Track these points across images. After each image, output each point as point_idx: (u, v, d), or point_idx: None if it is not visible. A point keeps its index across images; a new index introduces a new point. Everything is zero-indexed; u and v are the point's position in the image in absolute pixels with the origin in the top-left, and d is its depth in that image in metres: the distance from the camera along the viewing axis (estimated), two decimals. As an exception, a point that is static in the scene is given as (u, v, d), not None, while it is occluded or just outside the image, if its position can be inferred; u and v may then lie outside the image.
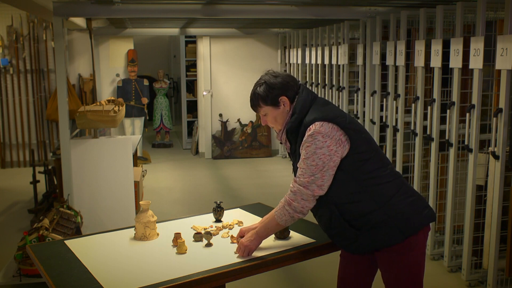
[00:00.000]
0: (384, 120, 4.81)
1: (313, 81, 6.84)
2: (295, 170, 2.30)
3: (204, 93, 8.61)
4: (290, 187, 2.24)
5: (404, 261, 2.25)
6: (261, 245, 2.40)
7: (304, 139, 2.18)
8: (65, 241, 2.52)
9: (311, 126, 2.18)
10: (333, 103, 6.10)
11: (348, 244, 2.29)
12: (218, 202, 2.81)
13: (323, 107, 2.26)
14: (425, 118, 4.18)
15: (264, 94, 2.27)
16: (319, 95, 6.99)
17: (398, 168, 4.49)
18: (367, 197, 2.19)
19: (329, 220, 2.27)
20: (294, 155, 2.30)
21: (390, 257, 2.26)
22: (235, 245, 2.39)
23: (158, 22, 7.33)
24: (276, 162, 8.25)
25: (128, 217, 4.60)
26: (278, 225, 2.27)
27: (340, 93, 5.88)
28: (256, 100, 2.30)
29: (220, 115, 8.66)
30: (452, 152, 3.87)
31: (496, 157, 3.37)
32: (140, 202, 2.57)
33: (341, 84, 5.88)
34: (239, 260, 2.24)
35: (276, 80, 2.28)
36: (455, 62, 3.73)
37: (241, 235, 2.38)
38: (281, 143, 2.42)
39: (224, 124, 8.60)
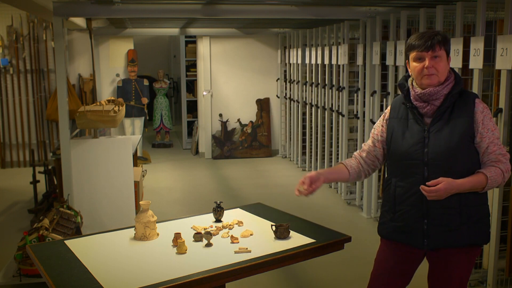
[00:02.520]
0: (384, 120, 4.80)
1: (313, 81, 6.84)
2: (431, 131, 2.23)
3: (204, 93, 8.61)
4: (495, 156, 2.19)
5: (469, 260, 2.30)
6: (261, 245, 2.40)
7: (480, 109, 2.21)
8: (65, 241, 2.52)
9: (480, 100, 2.26)
10: (333, 103, 6.13)
11: (440, 232, 2.23)
12: (218, 202, 2.81)
13: None
14: (425, 118, 4.17)
15: (446, 40, 2.23)
16: (319, 95, 6.94)
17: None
18: None
19: (447, 199, 2.17)
20: (439, 117, 2.22)
21: (460, 257, 2.27)
22: (235, 245, 2.40)
23: (158, 22, 7.34)
24: (276, 162, 8.25)
25: (128, 217, 4.60)
26: (482, 188, 2.19)
27: (340, 93, 5.88)
28: (439, 41, 2.20)
29: (220, 115, 8.66)
30: (452, 152, 3.86)
31: (496, 157, 3.36)
32: (140, 202, 2.57)
33: (341, 84, 5.88)
34: (239, 260, 2.23)
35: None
36: (455, 62, 3.73)
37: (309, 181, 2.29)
38: (407, 101, 2.31)
39: (224, 124, 8.61)
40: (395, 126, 2.34)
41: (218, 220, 2.77)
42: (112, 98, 6.16)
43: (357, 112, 5.44)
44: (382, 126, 2.42)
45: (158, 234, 2.55)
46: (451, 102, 2.22)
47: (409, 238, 2.30)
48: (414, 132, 2.26)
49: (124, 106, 5.35)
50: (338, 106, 5.99)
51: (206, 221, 2.76)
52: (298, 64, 7.50)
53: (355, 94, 5.48)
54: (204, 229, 2.61)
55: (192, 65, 9.60)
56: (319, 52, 6.44)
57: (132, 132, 8.25)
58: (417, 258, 2.38)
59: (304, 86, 7.26)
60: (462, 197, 2.20)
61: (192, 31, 8.30)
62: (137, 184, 4.95)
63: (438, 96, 2.22)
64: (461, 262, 2.28)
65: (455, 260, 2.27)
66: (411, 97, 2.29)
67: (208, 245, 2.42)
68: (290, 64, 7.98)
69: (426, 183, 2.16)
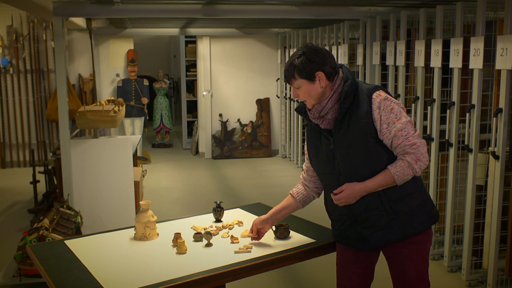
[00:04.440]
0: (384, 120, 4.80)
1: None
2: (336, 142, 2.22)
3: (204, 93, 8.61)
4: (403, 148, 2.15)
5: (420, 251, 2.28)
6: (261, 245, 2.40)
7: (376, 105, 2.16)
8: (65, 241, 2.52)
9: (378, 93, 2.19)
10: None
11: (370, 233, 2.24)
12: (218, 202, 2.81)
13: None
14: (425, 118, 4.18)
15: (302, 67, 2.18)
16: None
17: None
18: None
19: (367, 202, 2.21)
20: (339, 126, 2.21)
21: (407, 248, 2.27)
22: (235, 245, 2.40)
23: (158, 22, 7.33)
24: (276, 162, 8.25)
25: (128, 217, 4.60)
26: (394, 183, 2.18)
27: (340, 93, 5.87)
28: (292, 72, 2.21)
29: (220, 115, 8.66)
30: (452, 152, 3.87)
31: (496, 157, 3.37)
32: (140, 202, 2.57)
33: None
34: (239, 260, 2.23)
35: (316, 54, 2.20)
36: (455, 62, 3.73)
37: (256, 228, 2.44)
38: (307, 121, 2.33)
39: (224, 124, 8.60)
40: (311, 142, 2.38)
41: (218, 220, 2.77)
42: (112, 98, 6.16)
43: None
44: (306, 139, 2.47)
45: (158, 234, 2.55)
46: (344, 110, 2.20)
47: (350, 242, 2.33)
48: (323, 147, 2.29)
49: (124, 106, 5.34)
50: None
51: (206, 221, 2.76)
52: (298, 64, 7.47)
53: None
54: (204, 229, 2.62)
55: (192, 65, 9.60)
56: (319, 52, 6.42)
57: (132, 132, 8.25)
58: (368, 256, 2.38)
59: (304, 86, 7.25)
60: (381, 195, 2.20)
61: (192, 31, 8.30)
62: (137, 184, 4.95)
63: (325, 111, 2.23)
64: (412, 253, 2.27)
65: (406, 252, 2.27)
66: (310, 117, 2.31)
67: (208, 245, 2.42)
68: (290, 64, 7.96)
69: (334, 191, 2.23)
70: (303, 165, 2.53)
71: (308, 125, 2.37)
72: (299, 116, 7.47)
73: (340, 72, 2.26)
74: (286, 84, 8.21)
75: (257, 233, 2.45)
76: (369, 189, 2.18)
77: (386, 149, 2.20)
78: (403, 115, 2.17)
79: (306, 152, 2.47)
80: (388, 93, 2.25)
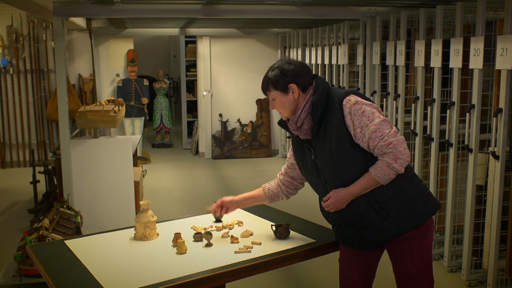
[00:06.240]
0: (384, 120, 4.80)
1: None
2: (317, 152, 2.25)
3: (204, 93, 8.61)
4: (380, 149, 2.15)
5: (420, 245, 2.28)
6: (261, 245, 2.40)
7: (347, 111, 2.18)
8: (65, 241, 2.52)
9: (349, 98, 2.20)
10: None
11: (367, 233, 2.26)
12: (218, 202, 2.81)
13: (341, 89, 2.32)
14: (425, 118, 4.18)
15: (275, 79, 2.28)
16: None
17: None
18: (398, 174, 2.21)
19: (356, 205, 2.23)
20: (317, 136, 2.25)
21: (405, 243, 2.27)
22: (235, 245, 2.40)
23: (158, 22, 7.33)
24: (276, 162, 8.24)
25: (128, 217, 4.60)
26: (377, 184, 2.20)
27: (340, 93, 5.87)
28: (266, 84, 2.31)
29: (220, 115, 8.66)
30: (452, 152, 3.87)
31: (496, 157, 3.37)
32: (140, 202, 2.57)
33: (341, 84, 5.88)
34: (239, 260, 2.23)
35: (289, 67, 2.28)
36: (455, 62, 3.73)
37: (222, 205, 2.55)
38: (289, 134, 2.41)
39: (224, 124, 8.60)
40: (296, 153, 2.44)
41: (218, 220, 2.77)
42: (112, 98, 6.16)
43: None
44: (292, 150, 2.49)
45: (158, 234, 2.55)
46: (316, 119, 2.23)
47: (351, 243, 2.36)
48: (307, 157, 2.34)
49: (124, 106, 5.34)
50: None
51: (206, 221, 2.76)
52: (298, 64, 7.47)
53: (355, 94, 5.47)
54: (204, 229, 2.62)
55: (192, 65, 9.60)
56: (319, 52, 6.44)
57: (132, 132, 8.25)
58: (370, 253, 2.39)
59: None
60: (369, 196, 2.22)
61: (192, 31, 8.30)
62: (137, 184, 4.95)
63: (300, 121, 2.29)
64: (411, 248, 2.27)
65: (406, 247, 2.28)
66: (290, 129, 2.36)
67: (208, 245, 2.42)
68: (290, 64, 7.96)
69: (323, 199, 2.30)
70: (282, 168, 2.61)
71: (292, 137, 2.42)
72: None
73: (314, 82, 2.30)
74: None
75: (219, 206, 2.57)
76: (355, 193, 2.21)
77: (365, 152, 2.21)
78: (376, 115, 2.17)
79: (288, 157, 2.55)
80: (361, 96, 2.25)
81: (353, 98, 2.21)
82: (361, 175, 2.20)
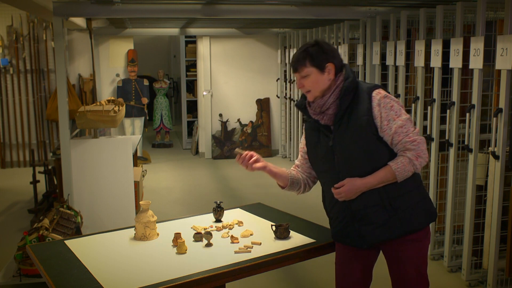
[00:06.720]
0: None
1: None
2: (336, 139, 2.23)
3: (204, 93, 8.61)
4: (403, 145, 2.17)
5: (419, 249, 2.29)
6: (261, 245, 2.40)
7: (376, 102, 2.19)
8: (65, 241, 2.52)
9: (378, 91, 2.22)
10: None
11: (369, 230, 2.25)
12: (218, 202, 2.81)
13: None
14: (425, 118, 4.18)
15: (315, 55, 2.22)
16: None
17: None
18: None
19: (366, 198, 2.22)
20: (339, 123, 2.23)
21: (405, 246, 2.27)
22: (235, 245, 2.40)
23: (158, 22, 7.33)
24: (276, 162, 8.20)
25: (128, 217, 4.60)
26: (394, 179, 2.20)
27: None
28: (304, 59, 2.23)
29: (220, 115, 8.66)
30: (452, 152, 3.87)
31: (496, 157, 3.37)
32: (140, 202, 2.57)
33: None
34: (239, 260, 2.23)
35: (328, 46, 2.26)
36: (455, 62, 3.73)
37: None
38: (306, 117, 2.35)
39: (224, 124, 8.60)
40: (309, 139, 2.40)
41: (218, 220, 2.77)
42: (112, 98, 6.16)
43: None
44: (304, 139, 2.46)
45: (158, 234, 2.55)
46: (344, 106, 2.22)
47: (348, 240, 2.34)
48: (323, 144, 2.30)
49: (124, 106, 5.34)
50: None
51: (206, 221, 2.76)
52: (298, 64, 7.47)
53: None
54: (204, 229, 2.62)
55: (192, 65, 9.60)
56: (319, 52, 6.42)
57: (132, 132, 8.25)
58: (367, 255, 2.38)
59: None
60: (381, 191, 2.21)
61: (192, 31, 8.29)
62: (137, 184, 4.95)
63: (327, 106, 2.25)
64: (411, 252, 2.28)
65: (405, 250, 2.28)
66: (310, 112, 2.32)
67: (208, 245, 2.42)
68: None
69: (334, 185, 2.24)
70: (296, 161, 2.55)
71: (307, 122, 2.38)
72: (299, 116, 7.51)
73: (344, 70, 2.29)
74: (286, 84, 8.21)
75: (250, 157, 2.38)
76: (370, 185, 2.20)
77: (386, 146, 2.21)
78: (403, 112, 2.21)
79: (301, 149, 2.49)
80: (388, 92, 2.28)
81: (382, 91, 2.24)
82: (378, 168, 2.20)
